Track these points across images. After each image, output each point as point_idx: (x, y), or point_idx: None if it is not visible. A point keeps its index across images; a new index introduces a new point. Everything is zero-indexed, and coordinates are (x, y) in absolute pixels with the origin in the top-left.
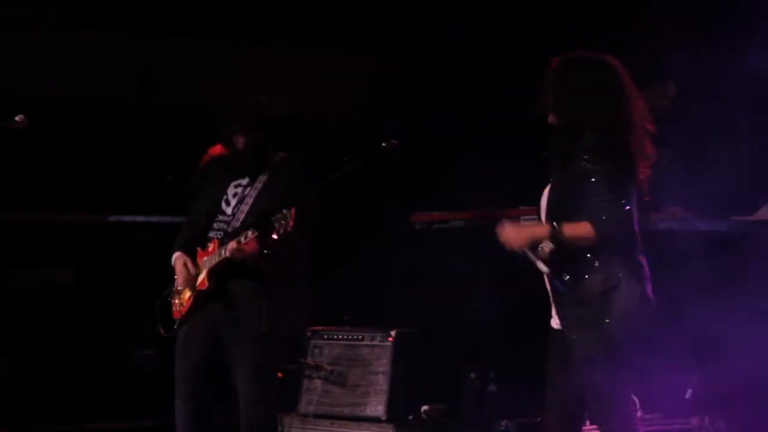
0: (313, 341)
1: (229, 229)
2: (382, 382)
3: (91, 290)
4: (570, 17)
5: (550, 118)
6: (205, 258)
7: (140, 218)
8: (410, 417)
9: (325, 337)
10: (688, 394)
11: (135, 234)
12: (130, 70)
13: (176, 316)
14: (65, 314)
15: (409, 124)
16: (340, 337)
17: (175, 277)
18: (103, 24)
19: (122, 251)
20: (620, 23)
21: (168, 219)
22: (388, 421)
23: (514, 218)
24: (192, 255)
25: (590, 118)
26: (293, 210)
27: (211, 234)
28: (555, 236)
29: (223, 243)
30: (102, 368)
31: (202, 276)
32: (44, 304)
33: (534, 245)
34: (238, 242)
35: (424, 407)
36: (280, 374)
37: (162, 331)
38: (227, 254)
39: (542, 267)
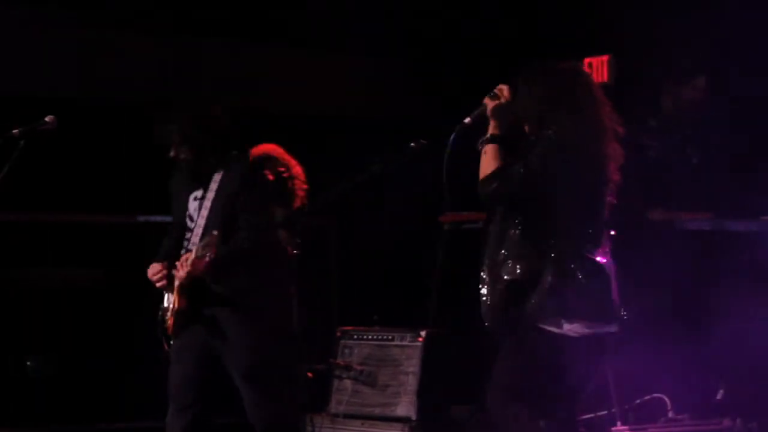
0: (342, 341)
1: (192, 244)
2: (412, 383)
3: (120, 290)
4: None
5: (525, 128)
6: (176, 275)
7: (169, 218)
8: (440, 417)
9: (355, 337)
10: (720, 394)
11: (163, 234)
12: (156, 71)
13: (168, 330)
14: (92, 315)
15: (443, 122)
16: (370, 337)
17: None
18: (124, 24)
19: (151, 251)
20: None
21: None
22: (419, 421)
23: None
24: (171, 262)
25: (560, 125)
26: (215, 235)
27: (183, 251)
28: None
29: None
30: (135, 367)
31: (174, 295)
32: (71, 305)
33: None
34: (185, 262)
35: (454, 407)
36: (310, 374)
37: (165, 346)
38: (182, 275)
39: None
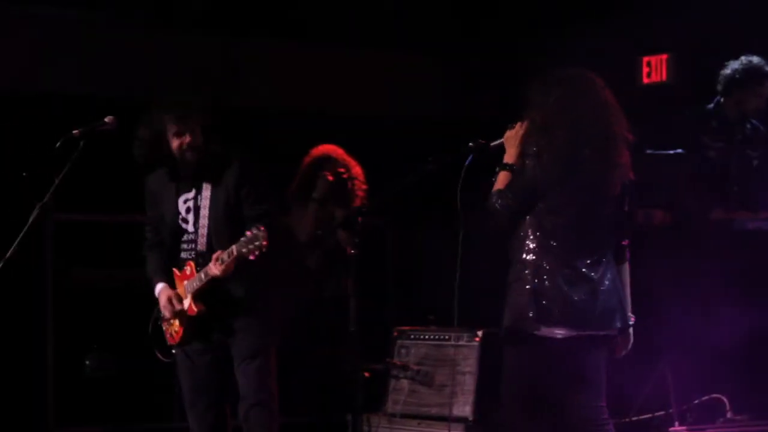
0: (399, 341)
1: (199, 248)
2: (469, 383)
3: None
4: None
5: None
6: (185, 282)
7: None
8: (497, 417)
9: (412, 337)
10: None
11: None
12: (210, 71)
13: (171, 342)
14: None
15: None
16: (427, 337)
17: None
18: (183, 24)
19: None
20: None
21: None
22: (476, 421)
23: None
24: (170, 277)
25: (556, 136)
26: (263, 230)
27: (183, 255)
28: None
29: (198, 263)
30: None
31: (188, 302)
32: (131, 305)
33: None
34: (221, 261)
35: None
36: (366, 374)
37: (159, 356)
38: (216, 274)
39: None
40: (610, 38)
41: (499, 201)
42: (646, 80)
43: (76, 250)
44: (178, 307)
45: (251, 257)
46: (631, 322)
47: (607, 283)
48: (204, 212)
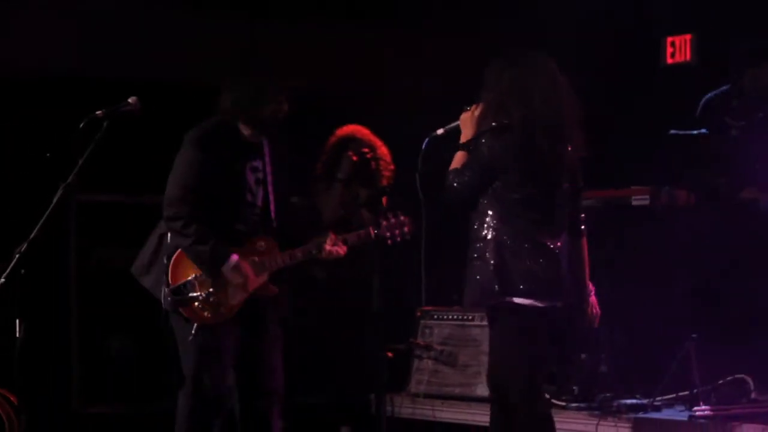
0: (423, 321)
1: (274, 223)
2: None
3: None
4: None
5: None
6: (258, 259)
7: None
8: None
9: (435, 317)
10: None
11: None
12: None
13: (212, 320)
14: None
15: None
16: (451, 317)
17: (210, 281)
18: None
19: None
20: None
21: None
22: None
23: (625, 198)
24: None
25: (510, 115)
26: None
27: (242, 227)
28: None
29: (266, 237)
30: None
31: (263, 279)
32: None
33: None
34: (335, 243)
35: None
36: (390, 354)
37: (191, 333)
38: (324, 255)
39: None
40: (634, 18)
41: (457, 179)
42: (669, 60)
43: (98, 230)
44: (262, 282)
45: (389, 242)
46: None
47: (566, 255)
48: (270, 188)
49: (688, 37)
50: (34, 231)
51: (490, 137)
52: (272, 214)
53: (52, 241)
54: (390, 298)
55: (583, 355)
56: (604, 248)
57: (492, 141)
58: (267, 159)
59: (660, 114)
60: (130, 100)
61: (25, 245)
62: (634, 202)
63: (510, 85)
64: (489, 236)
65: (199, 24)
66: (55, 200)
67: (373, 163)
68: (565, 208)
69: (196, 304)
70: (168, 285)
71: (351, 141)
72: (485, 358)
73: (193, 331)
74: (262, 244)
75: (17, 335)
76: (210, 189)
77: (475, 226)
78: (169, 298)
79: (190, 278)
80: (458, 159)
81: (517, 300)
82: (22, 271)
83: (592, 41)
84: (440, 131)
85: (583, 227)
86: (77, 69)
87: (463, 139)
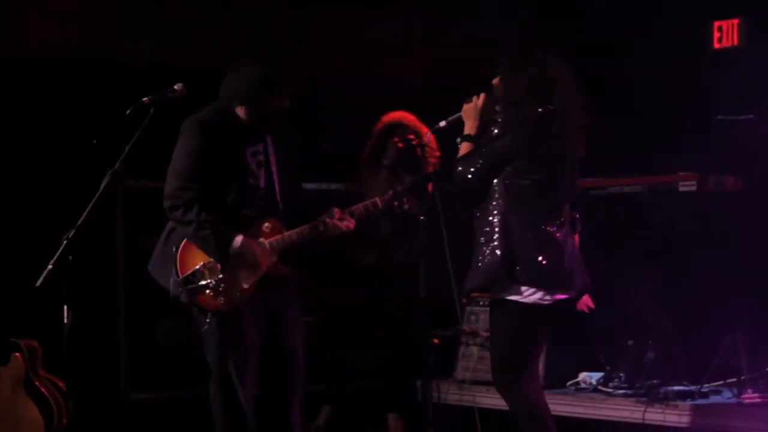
0: (469, 308)
1: (279, 205)
2: None
3: None
4: None
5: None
6: (270, 241)
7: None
8: (568, 384)
9: (481, 303)
10: None
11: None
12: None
13: (227, 306)
14: None
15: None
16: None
17: (218, 264)
18: None
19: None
20: None
21: (324, 186)
22: (546, 387)
23: (672, 184)
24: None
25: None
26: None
27: (248, 211)
28: None
29: (271, 218)
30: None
31: (273, 260)
32: None
33: None
34: (342, 217)
35: (582, 374)
36: (436, 341)
37: (206, 323)
38: (330, 230)
39: None
40: (680, 3)
41: (466, 167)
42: (717, 45)
43: (146, 217)
44: (272, 262)
45: (398, 211)
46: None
47: (571, 246)
48: (273, 169)
49: (735, 21)
50: (82, 217)
51: (503, 128)
52: (277, 197)
53: (100, 228)
54: (437, 284)
55: (630, 342)
56: (651, 234)
57: (505, 132)
58: (269, 141)
59: (707, 99)
60: (176, 87)
61: (72, 232)
62: (681, 188)
63: (527, 83)
64: (496, 222)
65: (241, 8)
66: (102, 187)
67: (418, 149)
68: (568, 200)
69: (208, 291)
70: (177, 276)
71: (397, 127)
72: None
73: (207, 320)
74: (268, 225)
75: (65, 321)
76: (210, 175)
77: (483, 212)
78: (180, 289)
79: (198, 267)
80: (465, 149)
81: (523, 292)
82: (70, 257)
83: (639, 26)
84: (443, 123)
85: (578, 223)
86: (119, 54)
87: (467, 130)
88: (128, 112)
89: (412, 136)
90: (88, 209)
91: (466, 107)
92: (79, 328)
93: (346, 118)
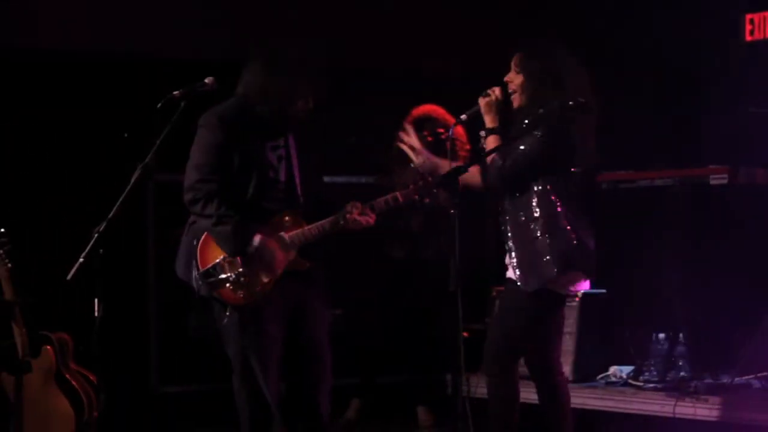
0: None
1: (300, 199)
2: (569, 343)
3: None
4: None
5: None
6: (290, 235)
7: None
8: (598, 377)
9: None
10: None
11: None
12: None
13: (247, 301)
14: None
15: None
16: None
17: (239, 261)
18: None
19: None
20: None
21: (353, 179)
22: (576, 381)
23: (703, 177)
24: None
25: (548, 101)
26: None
27: (268, 205)
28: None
29: (291, 212)
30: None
31: (292, 254)
32: None
33: None
34: (362, 212)
35: (612, 368)
36: (465, 333)
37: (226, 316)
38: (350, 225)
39: None
40: None
41: (505, 161)
42: (749, 38)
43: (176, 210)
44: (291, 258)
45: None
46: None
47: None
48: (294, 163)
49: (767, 14)
50: (113, 211)
51: (529, 130)
52: (298, 190)
53: (131, 221)
54: (467, 277)
55: (660, 335)
56: (682, 227)
57: (533, 134)
58: (290, 136)
59: (739, 91)
60: (206, 80)
61: (103, 225)
62: (713, 181)
63: (548, 77)
64: (543, 217)
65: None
66: (133, 180)
67: (448, 143)
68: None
69: (228, 285)
70: (198, 269)
71: (426, 121)
72: (564, 338)
73: (227, 313)
74: (288, 219)
75: (96, 314)
76: (229, 169)
77: (523, 208)
78: (200, 283)
79: (218, 260)
80: (493, 142)
81: (571, 282)
82: (101, 250)
83: (671, 19)
84: (464, 116)
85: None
86: (155, 49)
87: (489, 123)
88: (158, 105)
89: (441, 130)
90: (118, 203)
91: (483, 101)
92: (110, 321)
93: (378, 109)
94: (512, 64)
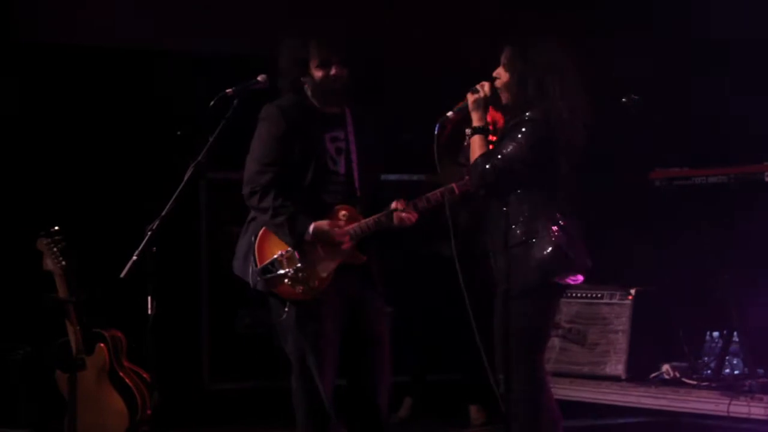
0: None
1: (357, 192)
2: (621, 341)
3: None
4: None
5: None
6: (348, 228)
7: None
8: (651, 376)
9: (564, 294)
10: None
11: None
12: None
13: (305, 296)
14: None
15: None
16: (579, 295)
17: (295, 255)
18: None
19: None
20: None
21: (405, 177)
22: (629, 380)
23: (757, 174)
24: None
25: (531, 105)
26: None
27: (326, 197)
28: None
29: (348, 205)
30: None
31: (350, 247)
32: None
33: None
34: (405, 210)
35: (665, 366)
36: None
37: (284, 312)
38: (396, 222)
39: None
40: None
41: (489, 165)
42: None
43: (229, 208)
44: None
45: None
46: None
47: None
48: (353, 156)
49: None
50: (166, 209)
51: (526, 131)
52: (356, 183)
53: (183, 219)
54: None
55: (714, 334)
56: (736, 225)
57: (528, 130)
58: (350, 129)
59: None
60: (259, 78)
61: (156, 223)
62: (767, 178)
63: (530, 75)
64: (540, 216)
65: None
66: (185, 178)
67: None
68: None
69: (286, 281)
70: (256, 265)
71: (468, 113)
72: (614, 337)
73: (286, 309)
74: (345, 213)
75: (149, 312)
76: (289, 160)
77: (518, 208)
78: (259, 278)
79: (276, 256)
80: (479, 143)
81: (572, 277)
82: (154, 249)
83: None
84: (450, 114)
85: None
86: (202, 46)
87: (476, 122)
88: (211, 103)
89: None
90: (171, 201)
91: (471, 98)
92: (163, 319)
93: (430, 107)
94: (501, 58)
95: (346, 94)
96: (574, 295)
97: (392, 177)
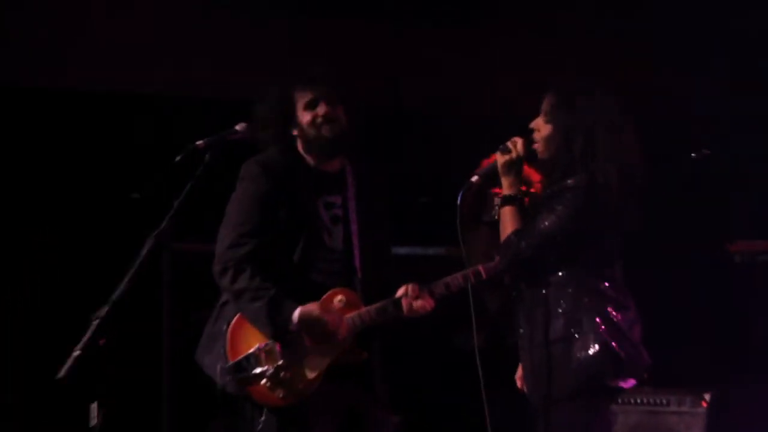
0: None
1: (359, 273)
2: None
3: None
4: None
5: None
6: (346, 317)
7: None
8: None
9: (620, 401)
10: None
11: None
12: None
13: (287, 402)
14: None
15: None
16: (639, 401)
17: (276, 348)
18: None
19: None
20: None
21: (419, 251)
22: None
23: None
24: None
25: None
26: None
27: (318, 277)
28: None
29: (346, 288)
30: None
31: (347, 341)
32: None
33: None
34: (418, 296)
35: None
36: None
37: (261, 422)
38: (406, 312)
39: None
40: None
41: (524, 242)
42: None
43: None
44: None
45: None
46: None
47: None
48: (353, 228)
49: None
50: (117, 291)
51: (569, 203)
52: (356, 261)
53: (141, 303)
54: None
55: None
56: None
57: (570, 199)
58: (350, 193)
59: None
60: (237, 128)
61: (105, 309)
62: None
63: (582, 122)
64: (585, 308)
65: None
66: (143, 252)
67: (526, 199)
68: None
69: (264, 381)
70: (226, 361)
71: (496, 176)
72: None
73: (263, 418)
74: (341, 298)
75: (92, 423)
76: (272, 230)
77: (557, 299)
78: (229, 377)
79: (252, 350)
80: (509, 216)
81: (625, 382)
82: (101, 341)
83: None
84: (475, 178)
85: None
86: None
87: (507, 189)
88: (177, 159)
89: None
90: (125, 280)
91: (501, 159)
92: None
93: (450, 164)
94: (542, 107)
95: (344, 145)
96: (632, 401)
97: (403, 250)
